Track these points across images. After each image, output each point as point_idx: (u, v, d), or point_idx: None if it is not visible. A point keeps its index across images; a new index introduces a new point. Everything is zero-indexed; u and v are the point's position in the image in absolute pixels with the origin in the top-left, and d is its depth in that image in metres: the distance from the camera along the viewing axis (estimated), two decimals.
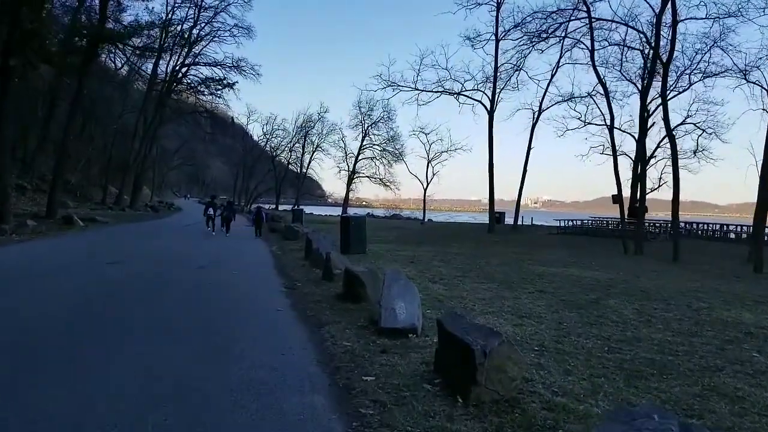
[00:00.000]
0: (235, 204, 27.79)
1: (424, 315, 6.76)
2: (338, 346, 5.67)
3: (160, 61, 46.09)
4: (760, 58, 22.91)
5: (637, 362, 5.41)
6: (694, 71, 29.94)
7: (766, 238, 23.83)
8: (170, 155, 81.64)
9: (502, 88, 36.26)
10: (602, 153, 46.02)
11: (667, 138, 41.05)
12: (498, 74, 35.21)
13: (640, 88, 40.72)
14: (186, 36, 45.29)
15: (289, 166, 74.31)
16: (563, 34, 26.94)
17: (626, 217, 44.30)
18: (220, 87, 47.58)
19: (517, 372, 4.13)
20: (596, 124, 41.25)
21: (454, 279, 11.09)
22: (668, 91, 30.15)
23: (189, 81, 49.11)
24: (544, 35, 25.74)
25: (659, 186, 46.37)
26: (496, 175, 35.30)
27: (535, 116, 37.74)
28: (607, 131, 42.40)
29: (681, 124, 38.88)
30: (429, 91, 37.46)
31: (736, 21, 20.71)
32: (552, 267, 14.42)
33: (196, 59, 47.66)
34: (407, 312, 6.31)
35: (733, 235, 36.46)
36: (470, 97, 36.96)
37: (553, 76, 36.57)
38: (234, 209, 24.46)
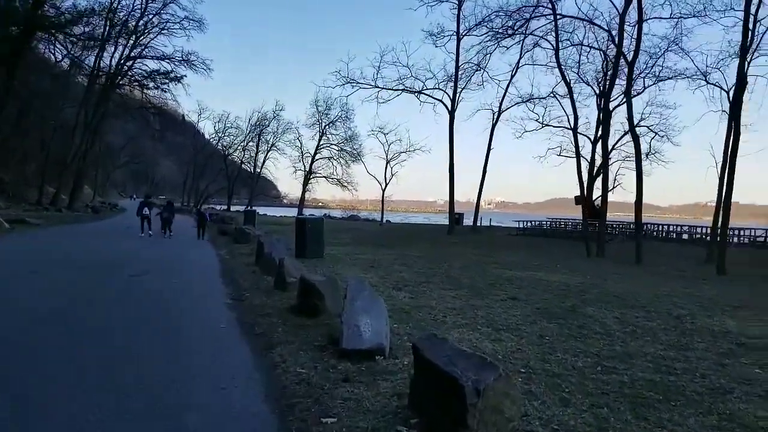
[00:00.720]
0: (175, 204, 26.28)
1: (391, 330, 5.93)
2: (291, 373, 4.78)
3: (104, 54, 43.74)
4: (722, 59, 23.13)
5: (637, 385, 4.75)
6: (648, 75, 30.41)
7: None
8: (116, 153, 78.21)
9: (463, 88, 35.91)
10: (559, 155, 46.74)
11: (619, 140, 42.08)
12: (459, 73, 34.80)
13: (597, 90, 41.49)
14: (132, 27, 43.06)
15: (243, 165, 72.29)
16: (525, 32, 26.62)
17: (585, 218, 45.06)
18: (167, 80, 45.44)
19: (515, 411, 3.36)
20: (555, 126, 41.68)
21: (419, 285, 10.31)
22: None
23: (133, 74, 46.75)
24: (510, 31, 25.30)
25: (614, 188, 47.29)
26: (458, 176, 34.85)
27: (495, 117, 37.56)
28: (564, 132, 43.07)
29: (636, 126, 39.70)
30: (389, 89, 36.74)
31: (698, 21, 20.86)
32: (518, 270, 13.87)
33: (143, 52, 45.38)
34: (373, 329, 5.47)
35: (686, 236, 37.25)
36: (431, 96, 36.45)
37: (512, 76, 36.41)
38: (174, 209, 23.04)
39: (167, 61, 44.69)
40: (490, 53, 30.29)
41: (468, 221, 43.79)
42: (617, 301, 9.44)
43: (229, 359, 5.24)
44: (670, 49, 25.53)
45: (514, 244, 26.12)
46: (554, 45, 23.66)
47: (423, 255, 17.39)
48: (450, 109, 35.45)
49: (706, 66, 26.15)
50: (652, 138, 40.41)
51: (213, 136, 71.45)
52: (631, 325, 7.39)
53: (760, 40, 19.31)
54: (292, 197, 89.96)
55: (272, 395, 4.22)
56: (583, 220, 23.92)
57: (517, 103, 38.47)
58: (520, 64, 35.03)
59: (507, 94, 36.86)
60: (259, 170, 70.14)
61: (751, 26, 17.56)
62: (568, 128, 43.40)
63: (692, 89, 24.93)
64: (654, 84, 31.25)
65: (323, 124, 61.20)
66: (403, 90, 36.62)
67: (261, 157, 68.85)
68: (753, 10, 17.41)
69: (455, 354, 3.61)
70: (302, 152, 63.75)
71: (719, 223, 18.50)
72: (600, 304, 8.98)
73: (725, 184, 17.08)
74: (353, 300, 5.82)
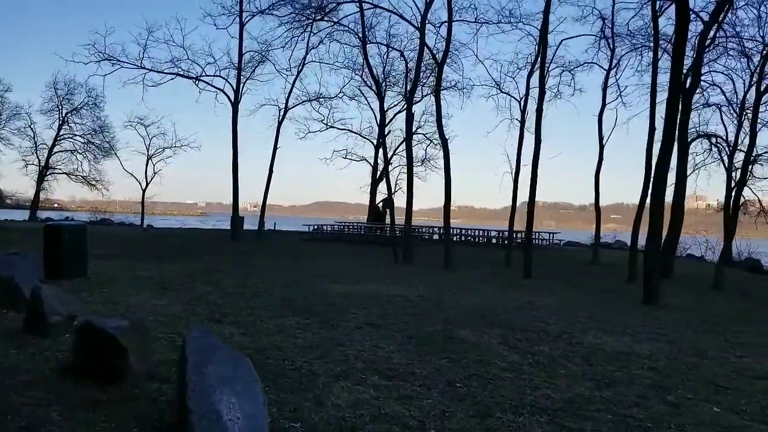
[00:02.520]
0: None
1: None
2: None
3: None
4: (520, 68, 24.93)
5: None
6: (426, 84, 32.32)
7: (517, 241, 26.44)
8: None
9: (248, 78, 33.34)
10: (345, 157, 47.46)
11: (399, 145, 44.64)
12: (243, 62, 32.14)
13: (380, 92, 43.11)
14: None
15: None
16: (313, 18, 25.37)
17: (368, 221, 46.16)
18: None
19: None
20: (338, 128, 42.47)
21: (243, 313, 8.18)
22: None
23: None
24: (314, 15, 23.69)
25: (395, 192, 49.75)
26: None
27: (281, 114, 35.71)
28: (348, 135, 43.96)
29: (414, 133, 42.50)
30: (159, 72, 32.17)
31: (498, 29, 22.08)
32: (345, 283, 12.50)
33: None
34: (245, 416, 3.46)
35: (463, 238, 40.44)
36: (210, 84, 32.94)
37: (299, 71, 34.90)
38: None
39: None
40: (297, 37, 28.03)
41: (248, 225, 41.25)
42: (480, 320, 8.64)
43: None
44: (446, 62, 27.04)
45: (315, 251, 24.87)
46: (361, 37, 22.95)
47: (222, 268, 14.92)
48: (233, 101, 32.54)
49: (505, 75, 28.50)
50: (428, 145, 43.61)
51: None
52: (528, 354, 6.49)
53: (554, 54, 21.34)
54: (20, 197, 75.48)
55: None
56: (391, 224, 23.71)
57: (305, 101, 37.40)
58: (306, 61, 33.77)
59: (294, 90, 35.40)
60: None
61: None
62: (351, 131, 44.45)
63: (485, 97, 26.56)
64: (429, 94, 33.11)
65: (64, 111, 52.24)
66: (177, 74, 32.54)
67: None
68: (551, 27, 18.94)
69: None
70: (36, 143, 53.55)
71: (519, 227, 19.71)
72: (469, 325, 8.04)
73: (529, 189, 18.21)
74: (202, 365, 3.69)
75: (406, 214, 21.78)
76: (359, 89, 39.61)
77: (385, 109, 45.59)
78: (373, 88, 40.30)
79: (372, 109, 42.46)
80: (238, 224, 32.92)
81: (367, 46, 30.66)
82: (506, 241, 31.17)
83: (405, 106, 39.62)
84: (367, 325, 7.69)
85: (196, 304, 8.85)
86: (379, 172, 48.65)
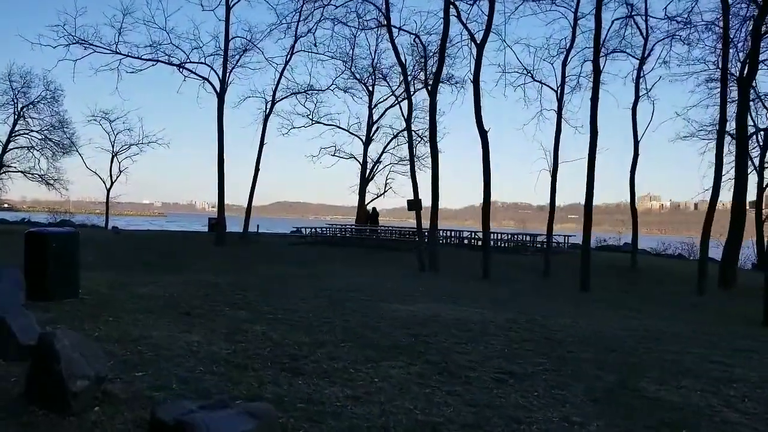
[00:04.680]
0: None
1: None
2: None
3: None
4: (554, 55, 23.07)
5: None
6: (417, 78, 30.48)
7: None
8: None
9: (234, 67, 30.81)
10: (334, 155, 45.46)
11: (389, 142, 43.03)
12: (230, 49, 29.64)
13: (369, 90, 41.34)
14: None
15: None
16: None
17: (357, 223, 44.08)
18: None
19: None
20: (325, 124, 40.45)
21: (320, 356, 6.01)
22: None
23: None
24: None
25: (385, 192, 47.91)
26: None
27: (268, 107, 33.22)
28: (335, 131, 41.97)
29: (402, 131, 40.63)
30: (138, 58, 29.32)
31: (537, 7, 20.32)
32: (398, 302, 10.42)
33: None
34: None
35: (466, 241, 38.47)
36: (194, 72, 30.20)
37: (288, 61, 32.44)
38: None
39: None
40: (317, 10, 25.56)
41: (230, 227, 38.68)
42: (635, 361, 6.67)
43: None
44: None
45: (317, 257, 22.72)
46: (385, 15, 20.73)
47: (232, 281, 12.63)
48: (219, 91, 29.86)
49: (541, 59, 26.97)
50: (418, 143, 42.04)
51: None
52: None
53: (607, 33, 19.74)
54: None
55: None
56: (417, 227, 21.67)
57: (294, 93, 35.07)
58: (295, 50, 31.41)
59: (281, 82, 33.00)
60: None
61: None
62: (339, 126, 42.49)
63: (514, 86, 24.25)
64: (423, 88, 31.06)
65: (20, 105, 48.75)
66: (157, 60, 29.72)
67: None
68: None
69: None
70: None
71: (582, 232, 18.02)
72: (638, 373, 6.03)
73: (585, 188, 16.45)
74: None
75: (431, 216, 19.85)
76: (390, 73, 37.17)
77: (376, 101, 43.68)
78: (368, 79, 38.20)
79: (396, 97, 40.04)
80: (223, 227, 30.40)
81: (360, 35, 28.76)
82: (520, 245, 29.56)
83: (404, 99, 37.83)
84: (509, 377, 5.61)
85: (243, 340, 6.66)
86: (368, 171, 46.66)
